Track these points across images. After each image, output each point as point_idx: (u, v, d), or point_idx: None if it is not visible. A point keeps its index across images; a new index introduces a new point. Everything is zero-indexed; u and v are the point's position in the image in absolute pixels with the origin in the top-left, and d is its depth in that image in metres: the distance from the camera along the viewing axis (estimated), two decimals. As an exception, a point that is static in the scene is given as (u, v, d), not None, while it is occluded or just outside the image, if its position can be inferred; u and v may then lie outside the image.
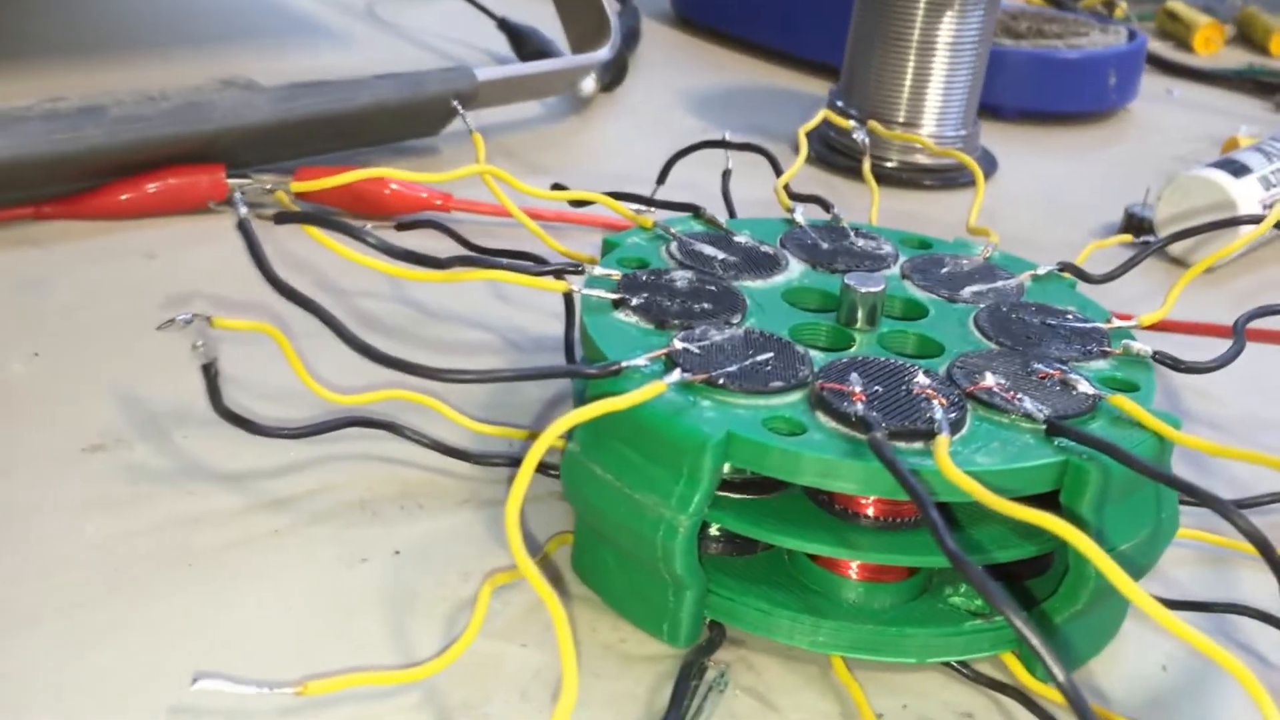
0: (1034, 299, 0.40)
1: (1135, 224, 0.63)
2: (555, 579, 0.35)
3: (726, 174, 0.50)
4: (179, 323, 0.33)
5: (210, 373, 0.33)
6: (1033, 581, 0.35)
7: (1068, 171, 0.75)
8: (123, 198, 0.52)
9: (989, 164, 0.73)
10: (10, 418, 0.40)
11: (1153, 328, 0.39)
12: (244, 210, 0.33)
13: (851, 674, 0.32)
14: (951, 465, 0.29)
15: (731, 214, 0.48)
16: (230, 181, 0.54)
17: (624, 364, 0.33)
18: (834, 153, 0.71)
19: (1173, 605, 0.36)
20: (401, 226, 0.47)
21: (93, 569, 0.33)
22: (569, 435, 0.34)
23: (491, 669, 0.32)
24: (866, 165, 0.52)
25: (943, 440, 0.30)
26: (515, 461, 0.38)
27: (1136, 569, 0.33)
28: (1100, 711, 0.32)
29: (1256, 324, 0.39)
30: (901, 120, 0.69)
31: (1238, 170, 0.60)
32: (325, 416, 0.38)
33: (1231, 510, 0.29)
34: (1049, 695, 0.33)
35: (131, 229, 0.52)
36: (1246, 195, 0.59)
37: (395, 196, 0.56)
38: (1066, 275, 0.42)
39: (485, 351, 0.46)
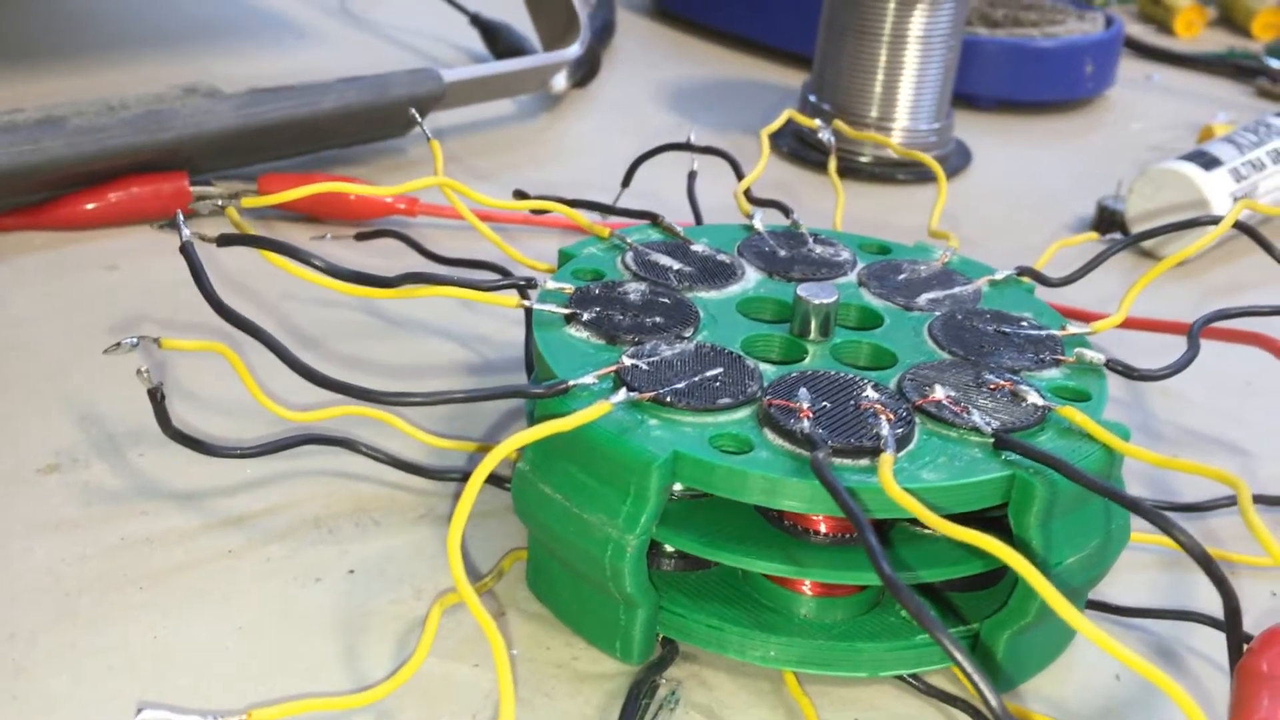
0: (992, 305, 0.40)
1: (1107, 217, 0.63)
2: (511, 596, 0.35)
3: (692, 176, 0.50)
4: (125, 346, 0.33)
5: (157, 397, 0.33)
6: (993, 591, 0.35)
7: (1043, 162, 0.74)
8: (84, 208, 0.52)
9: (962, 157, 0.73)
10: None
11: (1122, 326, 0.39)
12: (187, 234, 0.33)
13: (803, 689, 0.33)
14: (893, 483, 0.29)
15: (697, 218, 0.48)
16: (193, 189, 0.54)
17: (571, 383, 0.33)
18: (808, 148, 0.70)
19: (1128, 613, 0.36)
20: (361, 236, 0.47)
21: (42, 593, 0.33)
22: (521, 452, 0.34)
23: (442, 690, 0.32)
24: (833, 165, 0.52)
25: (886, 458, 0.30)
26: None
27: (1087, 580, 0.33)
28: (1050, 724, 0.32)
29: (1222, 324, 0.40)
30: (874, 115, 0.69)
31: (1208, 163, 0.59)
32: (279, 435, 0.38)
33: (1171, 525, 0.29)
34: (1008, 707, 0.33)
35: (93, 240, 0.52)
36: (1216, 188, 0.58)
37: (360, 203, 0.55)
38: (1025, 280, 0.42)
39: (448, 361, 0.46)
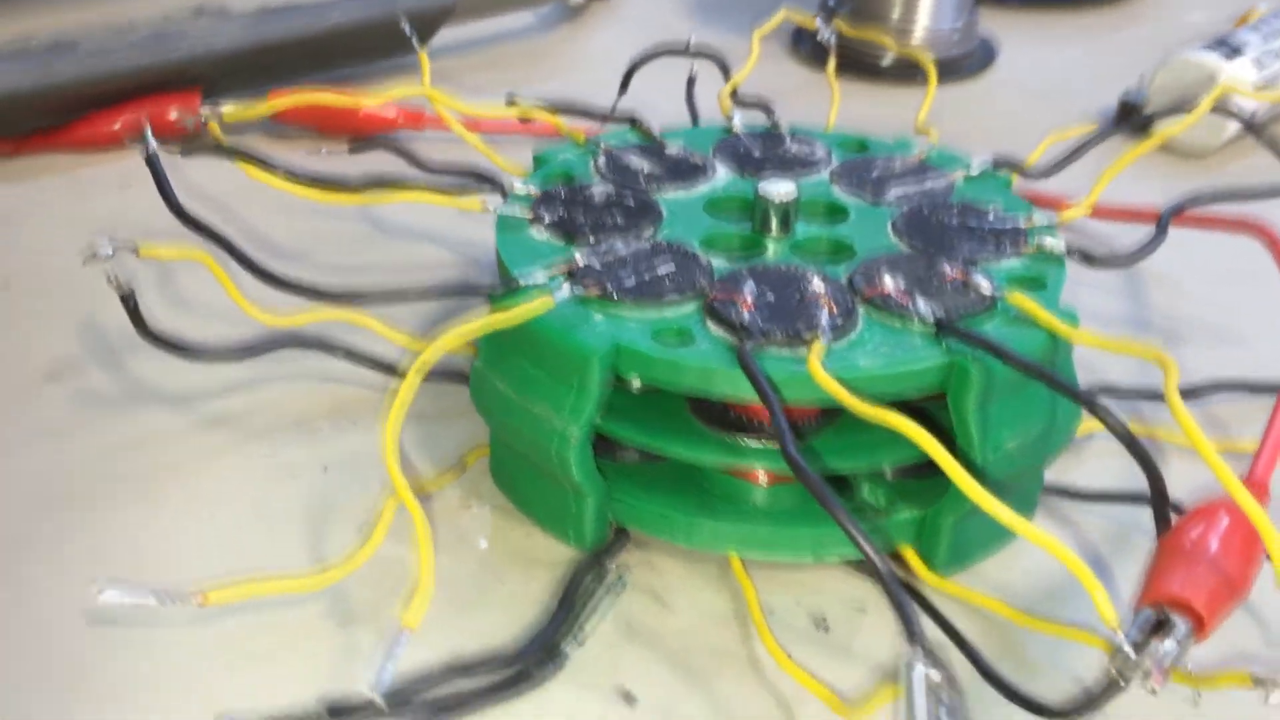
0: (965, 197, 0.39)
1: (1129, 110, 0.61)
2: (475, 489, 0.37)
3: (691, 81, 0.50)
4: (100, 255, 0.35)
5: (130, 304, 0.35)
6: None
7: (1073, 58, 0.73)
8: (98, 129, 0.54)
9: (986, 53, 0.71)
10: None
11: (1100, 216, 0.39)
12: (154, 145, 0.34)
13: (749, 573, 0.33)
14: (819, 368, 0.30)
15: (695, 122, 0.48)
16: (204, 110, 0.55)
17: (522, 280, 0.34)
18: (812, 43, 0.69)
19: (1086, 497, 0.36)
20: (354, 149, 0.48)
21: (31, 493, 0.35)
22: (478, 350, 0.35)
23: (397, 575, 0.33)
24: (831, 65, 0.52)
25: (817, 345, 0.31)
26: (446, 374, 0.39)
27: (1031, 464, 0.33)
28: (991, 603, 0.33)
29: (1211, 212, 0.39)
30: (896, 15, 0.68)
31: (1231, 51, 0.58)
32: (258, 338, 0.39)
33: (1098, 406, 0.29)
34: (945, 588, 0.33)
35: (108, 161, 0.54)
36: (1238, 76, 0.57)
37: (367, 119, 0.56)
38: (1003, 172, 0.41)
39: (439, 266, 0.47)
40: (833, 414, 0.34)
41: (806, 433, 0.34)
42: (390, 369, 0.40)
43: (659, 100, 0.47)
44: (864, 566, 0.34)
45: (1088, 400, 0.29)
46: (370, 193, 0.36)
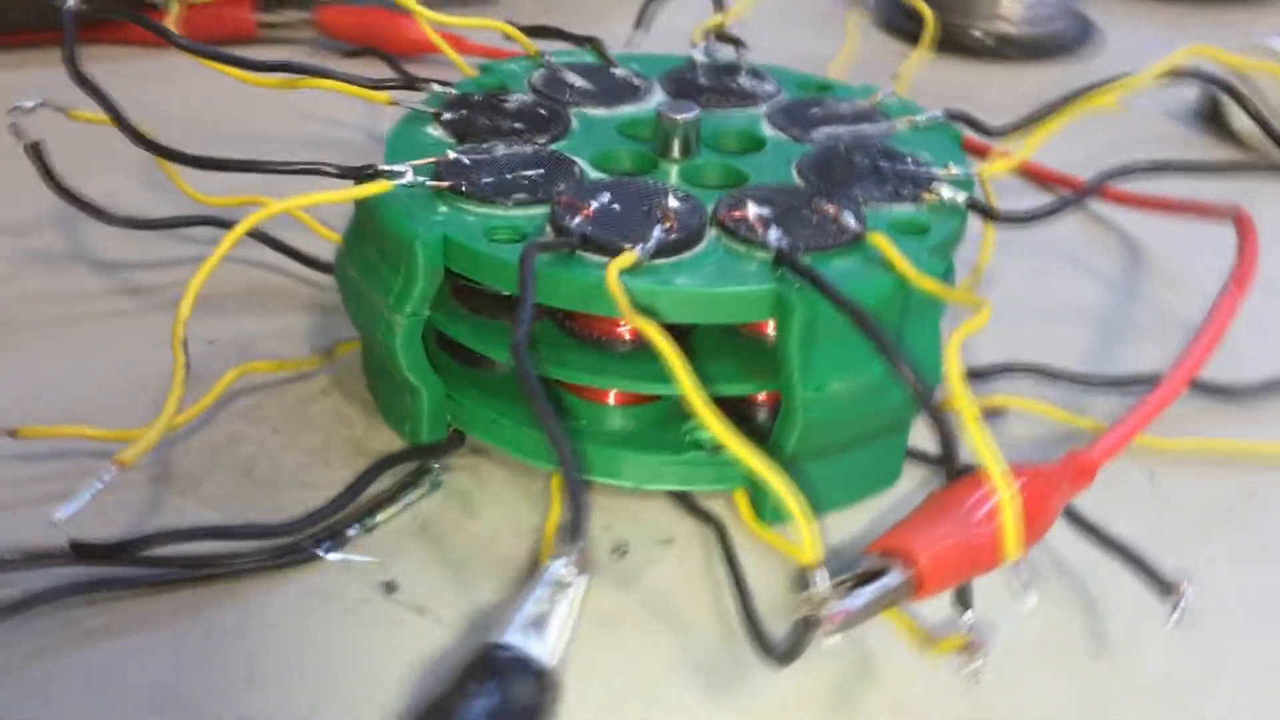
0: (905, 145, 0.37)
1: (1211, 104, 0.57)
2: (342, 381, 0.37)
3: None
4: (21, 110, 0.36)
5: (37, 152, 0.36)
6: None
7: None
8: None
9: (1084, 31, 0.67)
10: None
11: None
12: (71, 2, 0.35)
13: (563, 492, 0.32)
14: (613, 276, 0.29)
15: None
16: (257, 16, 0.57)
17: (382, 167, 0.33)
18: (907, 19, 0.66)
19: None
20: (349, 54, 0.49)
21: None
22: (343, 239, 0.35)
23: (227, 449, 0.33)
24: (852, 22, 0.49)
25: (626, 256, 0.29)
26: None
27: (864, 411, 0.31)
28: (793, 549, 0.31)
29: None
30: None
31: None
32: (184, 214, 0.40)
33: (900, 361, 0.27)
34: (765, 537, 0.31)
35: (161, 57, 0.56)
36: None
37: (412, 41, 0.57)
38: (954, 124, 0.39)
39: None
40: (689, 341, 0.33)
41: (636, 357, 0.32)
42: (309, 261, 0.40)
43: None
44: (683, 500, 0.33)
45: (890, 352, 0.27)
46: (279, 75, 0.36)
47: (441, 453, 0.34)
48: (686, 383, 0.26)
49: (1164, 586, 0.28)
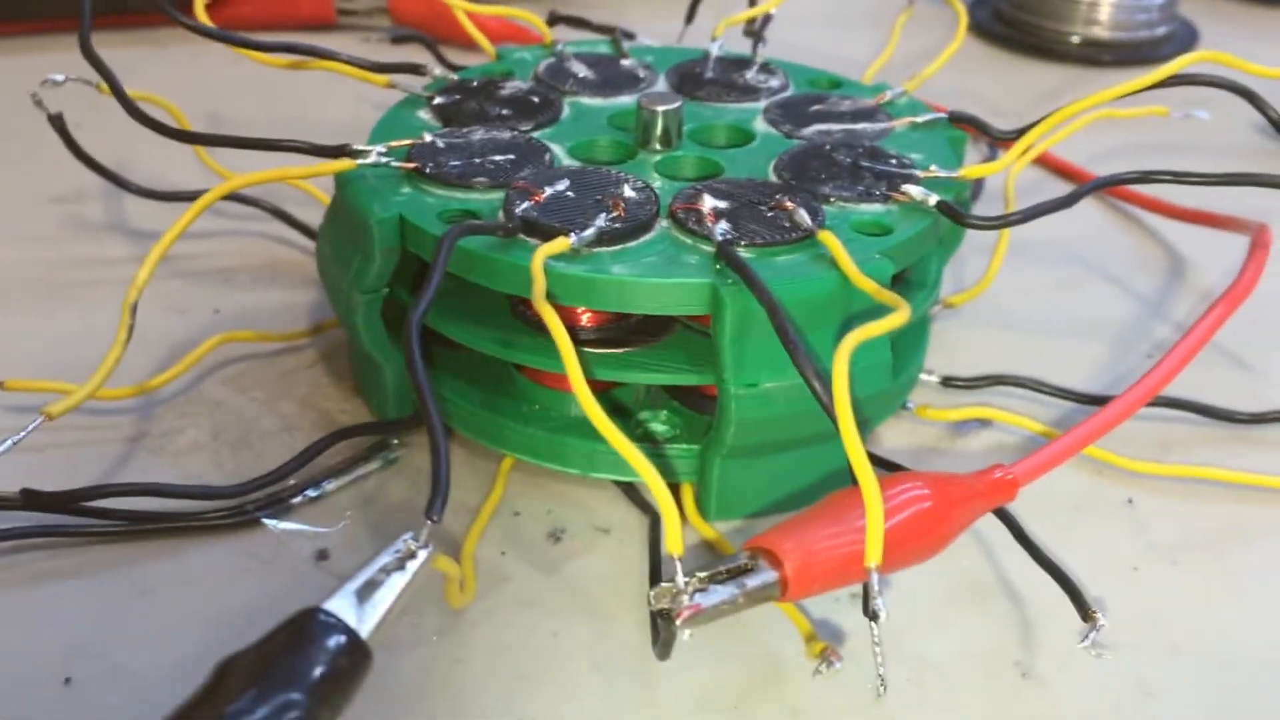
0: (902, 146, 0.36)
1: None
2: (330, 356, 0.38)
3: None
4: (50, 84, 0.38)
5: (59, 123, 0.38)
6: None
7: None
8: (236, 10, 0.59)
9: (1187, 37, 0.64)
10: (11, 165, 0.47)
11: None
12: (93, -15, 0.37)
13: (530, 479, 0.33)
14: (538, 262, 0.29)
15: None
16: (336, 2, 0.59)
17: (355, 146, 0.34)
18: (1006, 25, 0.64)
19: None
20: (396, 40, 0.50)
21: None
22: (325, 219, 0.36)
23: (205, 413, 0.35)
24: (902, 18, 0.48)
25: (558, 242, 0.30)
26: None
27: (799, 410, 0.30)
28: (725, 544, 0.30)
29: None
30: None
31: None
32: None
33: (807, 369, 0.26)
34: (706, 533, 0.31)
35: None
36: None
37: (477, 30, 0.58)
38: (961, 128, 0.37)
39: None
40: (640, 330, 0.33)
41: (603, 340, 0.32)
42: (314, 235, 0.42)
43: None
44: (630, 492, 0.33)
45: (802, 361, 0.26)
46: (284, 57, 0.38)
47: (402, 429, 0.34)
48: (572, 367, 0.26)
49: (1084, 613, 0.27)
